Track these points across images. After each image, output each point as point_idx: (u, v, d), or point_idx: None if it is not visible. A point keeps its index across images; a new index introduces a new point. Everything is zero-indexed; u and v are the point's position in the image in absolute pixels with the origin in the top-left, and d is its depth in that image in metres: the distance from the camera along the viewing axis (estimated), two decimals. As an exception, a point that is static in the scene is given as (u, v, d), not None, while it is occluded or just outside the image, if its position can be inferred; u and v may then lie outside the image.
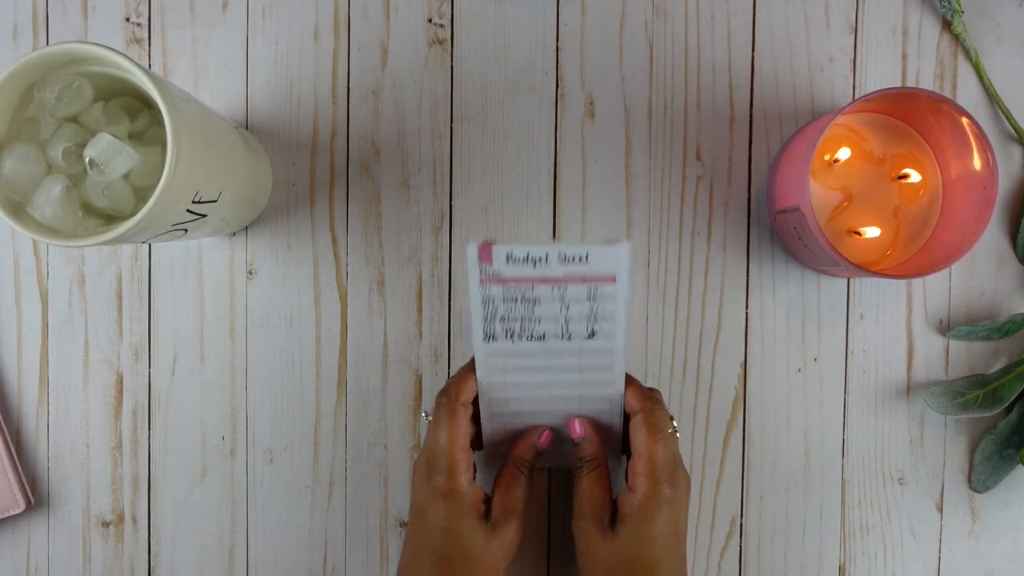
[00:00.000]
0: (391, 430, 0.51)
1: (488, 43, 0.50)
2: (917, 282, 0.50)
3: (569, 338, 0.42)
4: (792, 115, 0.50)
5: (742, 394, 0.50)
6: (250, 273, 0.51)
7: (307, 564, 0.51)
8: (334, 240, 0.51)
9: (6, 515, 0.50)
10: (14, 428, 0.51)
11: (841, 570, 0.50)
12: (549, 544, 0.50)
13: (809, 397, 0.50)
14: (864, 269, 0.42)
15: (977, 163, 0.43)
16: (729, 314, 0.50)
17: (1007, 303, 0.50)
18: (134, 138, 0.40)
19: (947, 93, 0.50)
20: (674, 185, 0.50)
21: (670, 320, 0.50)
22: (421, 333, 0.51)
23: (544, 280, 0.41)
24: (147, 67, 0.44)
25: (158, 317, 0.51)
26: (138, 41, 0.51)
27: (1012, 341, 0.50)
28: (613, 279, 0.40)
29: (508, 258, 0.40)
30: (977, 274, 0.50)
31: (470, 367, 0.44)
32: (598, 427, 0.45)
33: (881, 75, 0.50)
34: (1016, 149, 0.50)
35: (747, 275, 0.50)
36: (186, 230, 0.42)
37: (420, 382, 0.51)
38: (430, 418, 0.43)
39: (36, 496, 0.51)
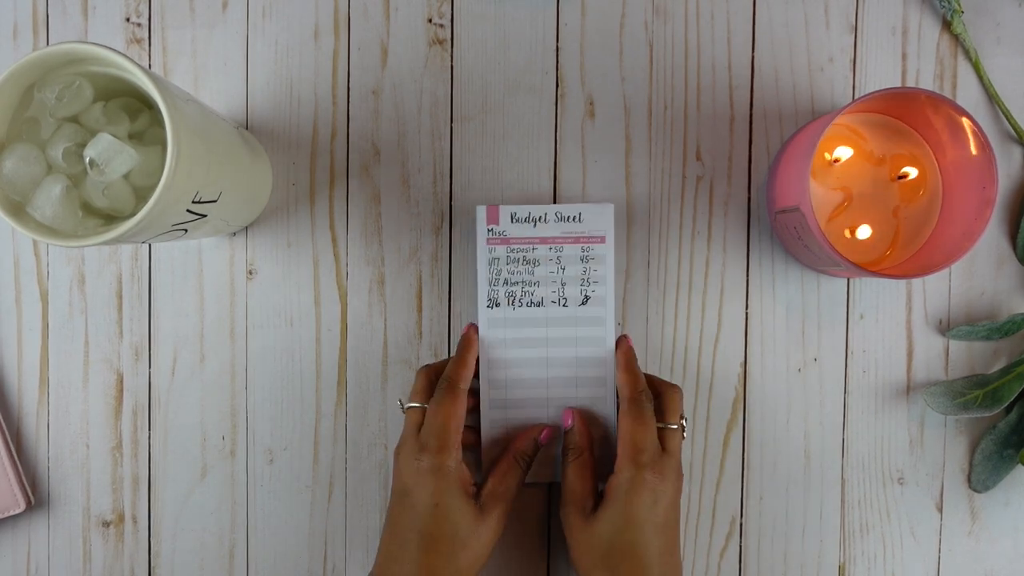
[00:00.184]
0: (391, 430, 0.51)
1: (488, 43, 0.50)
2: (917, 282, 0.50)
3: (565, 304, 0.48)
4: (792, 115, 0.50)
5: (742, 394, 0.50)
6: (250, 273, 0.51)
7: (307, 564, 0.51)
8: (334, 240, 0.51)
9: (6, 515, 0.50)
10: (14, 428, 0.51)
11: (841, 570, 0.50)
12: (549, 541, 0.50)
13: (809, 397, 0.50)
14: (864, 269, 0.42)
15: (977, 163, 0.43)
16: (729, 314, 0.50)
17: (1007, 303, 0.50)
18: (134, 138, 0.40)
19: (947, 93, 0.50)
20: (674, 185, 0.50)
21: (670, 320, 0.50)
22: (421, 333, 0.51)
23: (543, 240, 0.47)
24: (147, 67, 0.44)
25: (158, 317, 0.51)
26: (138, 41, 0.51)
27: (1012, 341, 0.50)
28: (603, 239, 0.48)
29: (512, 217, 0.47)
30: (977, 274, 0.50)
31: (471, 349, 0.46)
32: (590, 417, 0.48)
33: (881, 75, 0.50)
34: (1016, 149, 0.50)
35: (747, 275, 0.50)
36: (186, 230, 0.42)
37: (420, 382, 0.51)
38: (409, 406, 0.45)
39: (36, 496, 0.51)
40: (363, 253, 0.51)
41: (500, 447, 0.48)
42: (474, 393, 0.47)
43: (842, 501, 0.50)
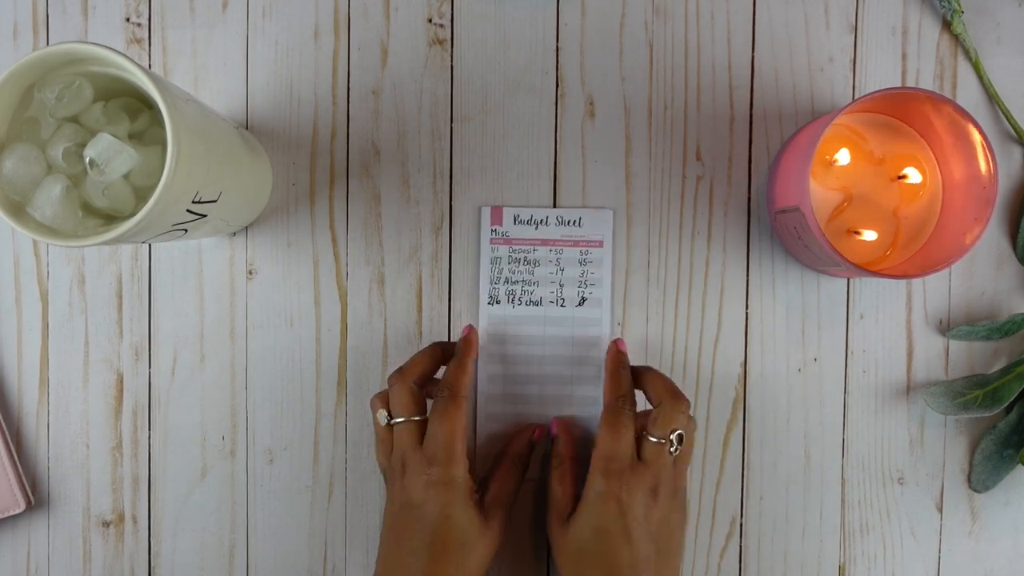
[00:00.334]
0: (391, 430, 0.51)
1: (488, 43, 0.50)
2: (917, 282, 0.50)
3: (563, 304, 0.49)
4: (792, 115, 0.50)
5: (742, 394, 0.50)
6: (250, 273, 0.51)
7: (307, 564, 0.51)
8: (334, 240, 0.51)
9: (6, 515, 0.50)
10: (14, 428, 0.51)
11: (841, 570, 0.50)
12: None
13: (809, 397, 0.50)
14: (864, 269, 0.42)
15: (977, 163, 0.43)
16: (729, 314, 0.50)
17: (1007, 303, 0.50)
18: (134, 138, 0.40)
19: (947, 93, 0.50)
20: (674, 185, 0.50)
21: (670, 320, 0.50)
22: (421, 333, 0.51)
23: (544, 242, 0.49)
24: (147, 67, 0.44)
25: (158, 317, 0.51)
26: (138, 41, 0.51)
27: (1012, 341, 0.50)
28: (601, 243, 0.49)
29: (515, 219, 0.49)
30: (977, 274, 0.50)
31: (471, 353, 0.47)
32: (582, 428, 0.50)
33: (881, 75, 0.50)
34: (1016, 149, 0.50)
35: (747, 275, 0.50)
36: (186, 230, 0.42)
37: (420, 382, 0.51)
38: (395, 421, 0.44)
39: (36, 496, 0.51)
40: (363, 253, 0.51)
41: (496, 442, 0.49)
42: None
43: (842, 501, 0.50)
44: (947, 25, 0.50)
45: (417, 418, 0.44)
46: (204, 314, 0.51)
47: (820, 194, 0.47)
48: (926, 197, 0.47)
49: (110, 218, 0.39)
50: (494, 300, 0.49)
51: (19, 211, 0.38)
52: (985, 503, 0.50)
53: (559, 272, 0.49)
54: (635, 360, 0.50)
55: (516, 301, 0.49)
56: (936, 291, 0.50)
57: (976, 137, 0.43)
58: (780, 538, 0.50)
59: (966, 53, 0.50)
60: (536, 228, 0.49)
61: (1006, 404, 0.48)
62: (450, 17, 0.51)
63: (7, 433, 0.51)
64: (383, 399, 0.45)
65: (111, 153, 0.37)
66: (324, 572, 0.51)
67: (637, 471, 0.42)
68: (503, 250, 0.49)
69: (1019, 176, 0.50)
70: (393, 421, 0.44)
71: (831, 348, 0.50)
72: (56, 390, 0.51)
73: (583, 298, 0.49)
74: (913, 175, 0.47)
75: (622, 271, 0.50)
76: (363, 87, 0.50)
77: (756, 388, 0.50)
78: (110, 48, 0.37)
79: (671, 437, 0.43)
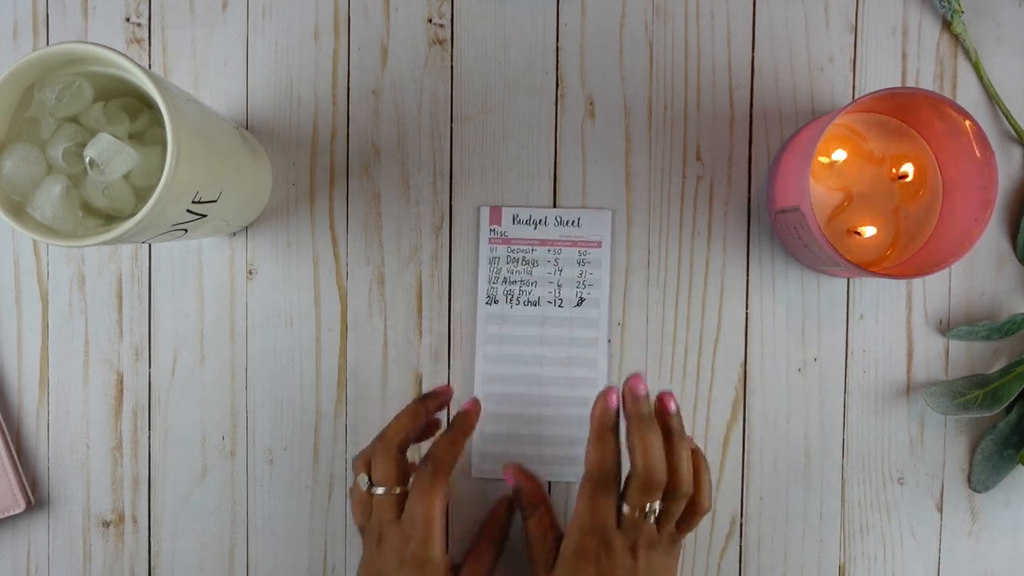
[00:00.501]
0: (391, 430, 0.51)
1: (488, 43, 0.50)
2: (917, 282, 0.50)
3: (560, 304, 0.49)
4: (792, 115, 0.50)
5: (742, 394, 0.50)
6: (250, 273, 0.51)
7: (307, 564, 0.51)
8: (334, 240, 0.51)
9: (6, 515, 0.50)
10: (14, 428, 0.51)
11: (841, 570, 0.50)
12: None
13: (809, 397, 0.50)
14: (864, 269, 0.42)
15: (977, 163, 0.43)
16: (729, 314, 0.50)
17: (1007, 303, 0.50)
18: (134, 138, 0.40)
19: (947, 93, 0.50)
20: (674, 185, 0.50)
21: (670, 320, 0.50)
22: (421, 333, 0.51)
23: (542, 242, 0.49)
24: (147, 67, 0.44)
25: (158, 317, 0.51)
26: (138, 41, 0.51)
27: (1012, 341, 0.50)
28: (600, 244, 0.49)
29: (514, 219, 0.49)
30: (977, 274, 0.50)
31: (468, 432, 0.44)
32: (529, 472, 0.47)
33: (881, 75, 0.50)
34: (1016, 149, 0.50)
35: (747, 275, 0.50)
36: (186, 230, 0.42)
37: (420, 382, 0.51)
38: (376, 491, 0.42)
39: (36, 496, 0.51)
40: (363, 253, 0.51)
41: (494, 442, 0.49)
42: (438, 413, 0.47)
43: (842, 501, 0.50)
44: (947, 25, 0.50)
45: (398, 491, 0.42)
46: (204, 314, 0.51)
47: (820, 194, 0.47)
48: (926, 197, 0.47)
49: (110, 218, 0.39)
50: (492, 300, 0.49)
51: (19, 211, 0.38)
52: (985, 503, 0.50)
53: (557, 272, 0.49)
54: (635, 360, 0.50)
55: (514, 301, 0.49)
56: (936, 291, 0.50)
57: (975, 137, 0.43)
58: (780, 538, 0.50)
59: (966, 53, 0.50)
60: (535, 228, 0.49)
61: (1006, 404, 0.48)
62: (450, 17, 0.51)
63: (7, 433, 0.51)
64: (365, 462, 0.43)
65: (111, 153, 0.37)
66: (324, 572, 0.51)
67: (613, 544, 0.41)
68: (501, 250, 0.49)
69: (1019, 176, 0.50)
70: (374, 490, 0.43)
71: (831, 348, 0.50)
72: (56, 390, 0.51)
73: (581, 299, 0.49)
74: (912, 174, 0.47)
75: (622, 271, 0.50)
76: (363, 87, 0.50)
77: (756, 388, 0.50)
78: (110, 48, 0.37)
79: (646, 509, 0.41)
